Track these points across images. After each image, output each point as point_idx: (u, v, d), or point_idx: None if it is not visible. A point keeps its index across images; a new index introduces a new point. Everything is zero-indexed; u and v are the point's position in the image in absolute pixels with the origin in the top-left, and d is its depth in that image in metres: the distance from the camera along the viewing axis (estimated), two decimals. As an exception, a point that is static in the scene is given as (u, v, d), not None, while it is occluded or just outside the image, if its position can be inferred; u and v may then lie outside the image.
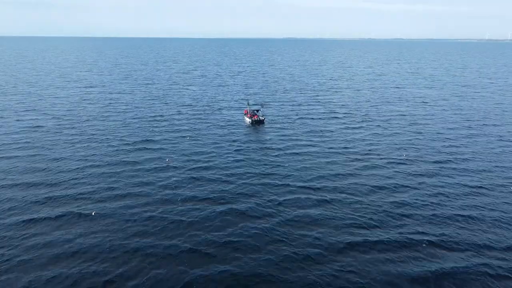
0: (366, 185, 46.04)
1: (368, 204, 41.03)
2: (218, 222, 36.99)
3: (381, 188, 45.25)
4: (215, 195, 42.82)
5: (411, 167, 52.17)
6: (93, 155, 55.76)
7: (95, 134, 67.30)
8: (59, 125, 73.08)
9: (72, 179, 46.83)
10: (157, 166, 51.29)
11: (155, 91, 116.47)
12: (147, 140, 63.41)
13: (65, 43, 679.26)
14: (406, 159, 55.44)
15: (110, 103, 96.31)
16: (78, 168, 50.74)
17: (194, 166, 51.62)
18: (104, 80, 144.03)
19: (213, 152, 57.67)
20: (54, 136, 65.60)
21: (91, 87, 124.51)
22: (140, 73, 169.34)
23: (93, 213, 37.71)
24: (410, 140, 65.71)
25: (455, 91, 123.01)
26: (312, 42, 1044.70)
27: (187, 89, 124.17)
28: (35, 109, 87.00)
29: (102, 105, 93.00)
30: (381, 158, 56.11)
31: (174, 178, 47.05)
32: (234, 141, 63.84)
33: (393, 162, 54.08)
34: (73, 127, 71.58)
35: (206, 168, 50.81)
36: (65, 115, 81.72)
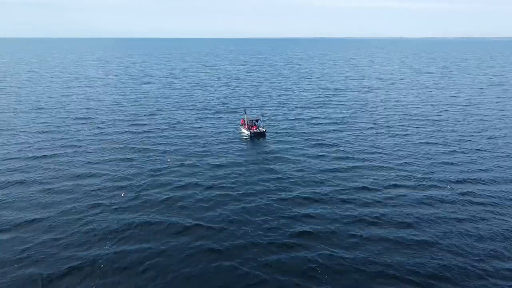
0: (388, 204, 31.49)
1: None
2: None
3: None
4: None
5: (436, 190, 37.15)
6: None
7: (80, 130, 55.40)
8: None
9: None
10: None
11: (150, 92, 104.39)
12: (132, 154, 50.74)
13: (78, 44, 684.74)
14: (448, 188, 40.23)
15: (95, 104, 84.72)
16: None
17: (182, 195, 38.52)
18: (106, 80, 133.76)
19: (201, 176, 44.14)
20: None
21: (97, 87, 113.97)
22: (142, 73, 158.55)
23: None
24: (432, 150, 50.26)
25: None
26: (340, 42, 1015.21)
27: (186, 89, 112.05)
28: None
29: (89, 103, 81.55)
30: (408, 174, 42.56)
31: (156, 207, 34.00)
32: (229, 161, 49.81)
33: (426, 181, 39.13)
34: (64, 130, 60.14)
35: (192, 198, 37.66)
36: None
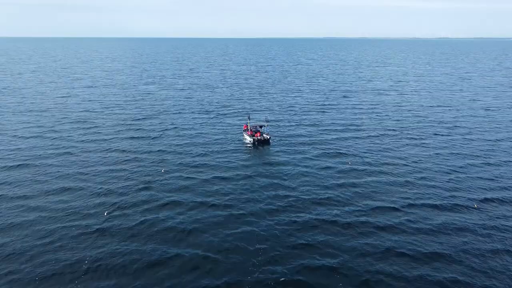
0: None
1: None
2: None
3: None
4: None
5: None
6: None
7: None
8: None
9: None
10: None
11: (151, 95, 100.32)
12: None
13: (101, 44, 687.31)
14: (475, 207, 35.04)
15: (96, 108, 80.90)
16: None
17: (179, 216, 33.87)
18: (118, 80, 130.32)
19: (196, 190, 39.63)
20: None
21: (97, 87, 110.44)
22: (148, 73, 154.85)
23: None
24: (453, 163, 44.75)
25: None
26: (345, 42, 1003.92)
27: (188, 90, 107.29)
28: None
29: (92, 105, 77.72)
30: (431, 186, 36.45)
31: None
32: (229, 172, 45.10)
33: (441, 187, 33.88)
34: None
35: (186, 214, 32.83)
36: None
